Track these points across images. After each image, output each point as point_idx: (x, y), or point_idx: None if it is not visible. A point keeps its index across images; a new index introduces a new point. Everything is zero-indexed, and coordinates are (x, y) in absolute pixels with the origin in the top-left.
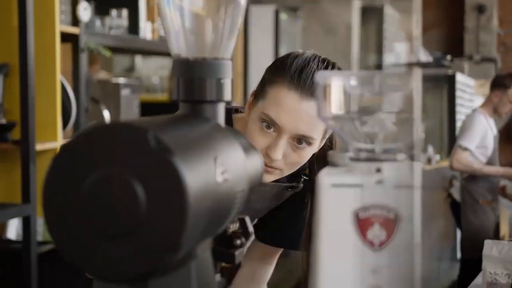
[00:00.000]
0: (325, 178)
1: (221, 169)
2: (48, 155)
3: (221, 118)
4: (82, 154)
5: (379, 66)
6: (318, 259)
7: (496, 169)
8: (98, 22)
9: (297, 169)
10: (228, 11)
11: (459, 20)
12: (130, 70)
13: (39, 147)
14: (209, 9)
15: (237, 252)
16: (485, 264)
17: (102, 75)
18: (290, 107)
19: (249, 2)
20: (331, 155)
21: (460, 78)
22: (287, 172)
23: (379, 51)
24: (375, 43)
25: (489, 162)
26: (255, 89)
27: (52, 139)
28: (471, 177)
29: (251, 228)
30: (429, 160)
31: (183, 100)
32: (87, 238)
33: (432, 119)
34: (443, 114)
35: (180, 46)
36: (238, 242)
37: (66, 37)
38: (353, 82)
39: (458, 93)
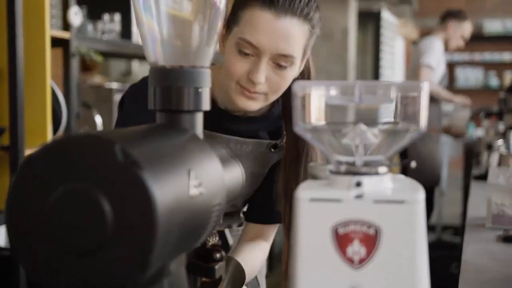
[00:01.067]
0: (303, 192)
1: (195, 182)
2: None
3: (199, 128)
4: (48, 166)
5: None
6: (296, 276)
7: (457, 97)
8: (90, 27)
9: (281, 93)
10: (207, 16)
11: None
12: (126, 75)
13: (28, 153)
14: (186, 15)
15: (217, 266)
16: (490, 193)
17: (97, 79)
18: (266, 27)
19: None
20: (312, 167)
21: (385, 15)
22: (272, 97)
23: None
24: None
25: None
26: (224, 19)
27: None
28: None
29: (231, 241)
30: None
31: (159, 109)
32: (52, 253)
33: (359, 56)
34: (368, 51)
35: (156, 54)
36: (218, 255)
37: (57, 42)
38: (333, 92)
39: (382, 31)
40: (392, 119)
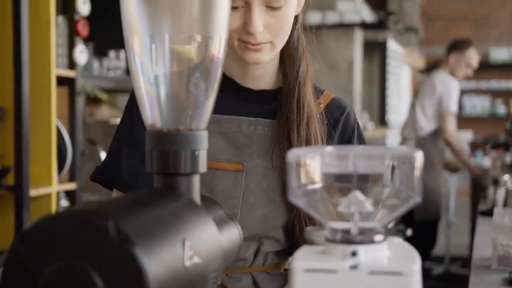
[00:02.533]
0: (299, 262)
1: (190, 252)
2: (42, 201)
3: (196, 191)
4: (41, 242)
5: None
6: None
7: (472, 167)
8: (96, 64)
9: (287, 37)
10: (204, 76)
11: None
12: None
13: (33, 192)
14: (183, 78)
15: None
16: (496, 234)
17: (105, 111)
18: None
19: None
20: (309, 231)
21: (391, 45)
22: (279, 43)
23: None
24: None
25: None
26: None
27: (47, 184)
28: (428, 137)
29: None
30: (364, 128)
31: (156, 172)
32: None
33: (365, 85)
34: (374, 80)
35: (153, 116)
36: None
37: (63, 80)
38: (327, 159)
39: (388, 60)
40: (388, 187)
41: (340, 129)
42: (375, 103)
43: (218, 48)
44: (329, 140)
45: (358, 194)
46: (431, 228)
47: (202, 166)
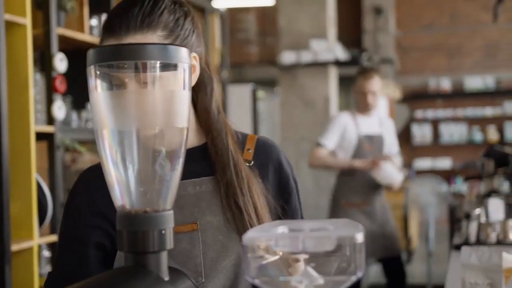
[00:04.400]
0: None
1: None
2: (24, 255)
3: (163, 266)
4: None
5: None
6: None
7: (356, 161)
8: (74, 116)
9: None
10: (168, 159)
11: (357, 21)
12: None
13: (14, 247)
14: (148, 162)
15: None
16: (464, 273)
17: (86, 158)
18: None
19: (228, 81)
20: None
21: None
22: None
23: None
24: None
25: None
26: None
27: (28, 238)
28: (340, 176)
29: None
30: None
31: (126, 251)
32: None
33: None
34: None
35: (123, 199)
36: None
37: (42, 136)
38: (280, 242)
39: None
40: (335, 263)
41: (273, 170)
42: None
43: (182, 134)
44: (267, 186)
45: (309, 270)
46: (396, 262)
47: (169, 243)
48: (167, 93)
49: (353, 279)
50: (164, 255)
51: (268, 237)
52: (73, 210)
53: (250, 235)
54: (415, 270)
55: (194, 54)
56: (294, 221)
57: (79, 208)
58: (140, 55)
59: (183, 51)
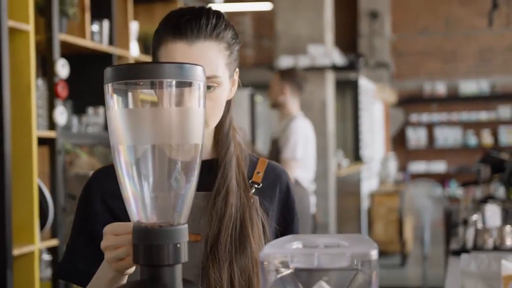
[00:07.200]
0: None
1: None
2: (25, 259)
3: (178, 279)
4: None
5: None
6: None
7: None
8: (75, 121)
9: (219, 117)
10: (182, 176)
11: (352, 25)
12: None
13: (16, 251)
14: (163, 178)
15: None
16: (463, 280)
17: (84, 160)
18: (181, 56)
19: None
20: None
21: (362, 82)
22: (212, 122)
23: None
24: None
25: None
26: None
27: (29, 242)
28: None
29: None
30: (339, 166)
31: (142, 264)
32: None
33: (338, 123)
34: (348, 117)
35: (139, 214)
36: None
37: (43, 140)
38: (295, 258)
39: (360, 98)
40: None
41: (280, 193)
42: (349, 140)
43: (196, 150)
44: (271, 207)
45: (323, 284)
46: None
47: (184, 256)
48: (182, 111)
49: None
50: (179, 268)
51: (284, 254)
52: (86, 204)
53: (266, 251)
54: (410, 273)
55: (237, 70)
56: (308, 235)
57: (92, 204)
58: (156, 73)
59: (198, 69)
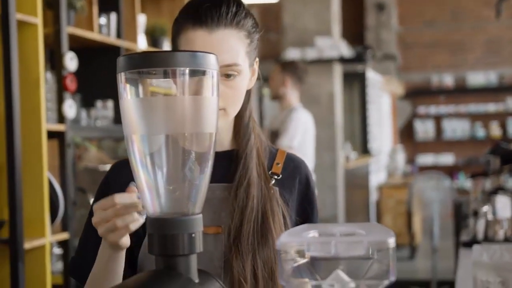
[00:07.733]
0: None
1: None
2: (36, 252)
3: (193, 269)
4: None
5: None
6: None
7: None
8: (84, 114)
9: (240, 106)
10: (196, 166)
11: (359, 17)
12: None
13: (27, 245)
14: (177, 167)
15: None
16: (475, 271)
17: (93, 154)
18: (202, 43)
19: None
20: None
21: (370, 74)
22: (231, 111)
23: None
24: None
25: None
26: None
27: (41, 236)
28: None
29: None
30: (347, 158)
31: (157, 254)
32: None
33: (346, 116)
34: (355, 110)
35: (153, 204)
36: None
37: (53, 134)
38: (312, 246)
39: (367, 90)
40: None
41: (299, 184)
42: (357, 132)
43: (210, 140)
44: (291, 198)
45: (340, 273)
46: None
47: (199, 246)
48: (196, 100)
49: (386, 283)
50: (193, 258)
51: (301, 242)
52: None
53: (283, 240)
54: (419, 266)
55: (257, 59)
56: (323, 224)
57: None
58: (169, 62)
59: (212, 57)
